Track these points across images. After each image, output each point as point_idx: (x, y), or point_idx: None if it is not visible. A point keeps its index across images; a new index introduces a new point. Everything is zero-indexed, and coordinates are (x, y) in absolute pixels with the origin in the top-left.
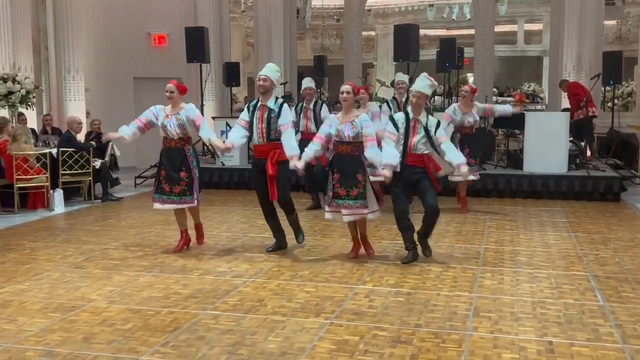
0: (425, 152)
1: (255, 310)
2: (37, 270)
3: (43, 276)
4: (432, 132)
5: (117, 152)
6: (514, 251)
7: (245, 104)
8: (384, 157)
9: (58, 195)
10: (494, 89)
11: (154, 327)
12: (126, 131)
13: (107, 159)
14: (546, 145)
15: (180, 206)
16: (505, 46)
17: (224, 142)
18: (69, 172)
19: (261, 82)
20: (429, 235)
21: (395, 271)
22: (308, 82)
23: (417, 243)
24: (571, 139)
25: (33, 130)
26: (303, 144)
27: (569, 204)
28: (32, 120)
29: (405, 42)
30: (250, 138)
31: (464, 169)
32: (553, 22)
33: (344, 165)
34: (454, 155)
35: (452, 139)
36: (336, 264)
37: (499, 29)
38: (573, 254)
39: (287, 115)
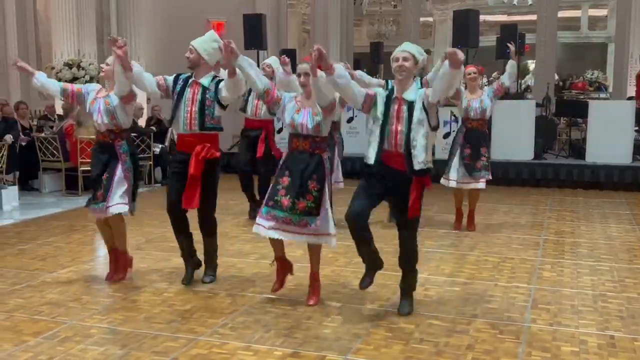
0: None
1: None
2: (101, 251)
3: (106, 257)
4: (416, 112)
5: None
6: (574, 243)
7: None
8: None
9: None
10: (556, 76)
11: (213, 308)
12: (46, 78)
13: (167, 143)
14: (610, 135)
15: (94, 215)
16: (569, 32)
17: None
18: None
19: (187, 54)
20: (411, 282)
21: (451, 260)
22: (269, 60)
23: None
24: (637, 128)
25: None
26: (249, 134)
27: (633, 196)
28: None
29: (465, 27)
30: (170, 122)
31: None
32: (619, 7)
33: (296, 166)
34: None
35: (456, 136)
36: (390, 252)
37: (562, 14)
38: (637, 247)
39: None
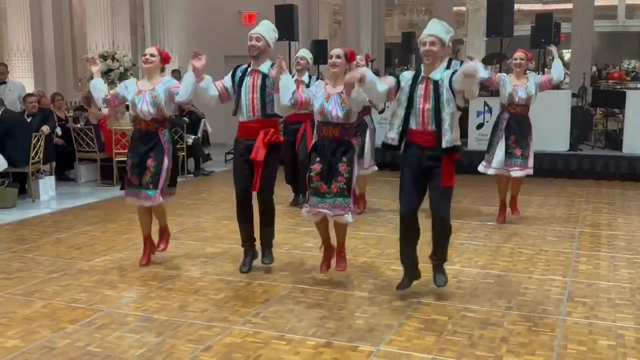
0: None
1: (342, 286)
2: (135, 240)
3: (141, 246)
4: (442, 90)
5: (209, 129)
6: (611, 235)
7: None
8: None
9: None
10: (592, 66)
11: (245, 298)
12: (101, 85)
13: (199, 135)
14: None
15: (139, 202)
16: (605, 21)
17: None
18: None
19: (253, 42)
20: (443, 255)
21: (485, 252)
22: (302, 52)
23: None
24: None
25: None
26: (290, 127)
27: None
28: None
29: (499, 16)
30: (235, 112)
31: (470, 68)
32: None
33: (327, 153)
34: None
35: (497, 122)
36: (422, 243)
37: (598, 2)
38: None
39: (287, 79)
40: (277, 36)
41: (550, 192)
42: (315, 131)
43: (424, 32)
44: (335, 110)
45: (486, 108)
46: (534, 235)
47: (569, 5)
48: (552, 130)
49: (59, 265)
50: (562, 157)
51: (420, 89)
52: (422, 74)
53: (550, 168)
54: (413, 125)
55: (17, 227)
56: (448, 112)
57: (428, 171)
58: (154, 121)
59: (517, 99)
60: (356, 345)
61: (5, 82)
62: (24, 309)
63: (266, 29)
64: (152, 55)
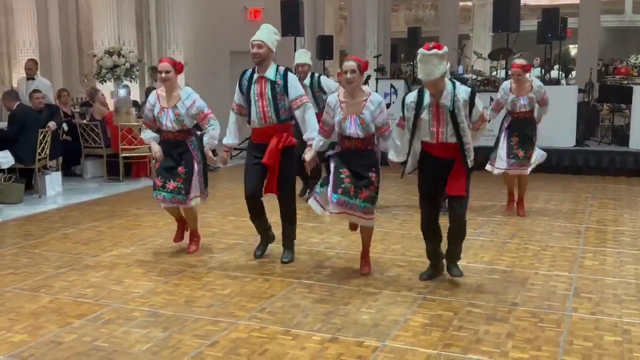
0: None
1: (347, 281)
2: (141, 236)
3: (147, 241)
4: (460, 119)
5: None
6: (617, 231)
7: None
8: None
9: None
10: (599, 61)
11: (251, 293)
12: (150, 135)
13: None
14: None
15: (171, 205)
16: (612, 16)
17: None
18: None
19: (255, 50)
20: (457, 251)
21: (491, 248)
22: (302, 58)
23: (442, 256)
24: None
25: (135, 102)
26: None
27: None
28: (136, 92)
29: (505, 11)
30: (249, 121)
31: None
32: None
33: (352, 162)
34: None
35: (501, 124)
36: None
37: None
38: None
39: (296, 86)
40: (278, 39)
41: (557, 188)
42: (337, 140)
43: (420, 77)
44: (355, 130)
45: (491, 103)
46: (540, 230)
47: (576, 0)
48: (558, 126)
49: (65, 260)
50: (568, 152)
51: (432, 112)
52: (430, 99)
53: (556, 164)
54: (428, 139)
55: (23, 223)
56: (470, 134)
57: (445, 178)
58: (180, 132)
59: (518, 108)
60: (362, 341)
61: (33, 78)
62: (31, 304)
63: (267, 34)
64: (167, 72)
